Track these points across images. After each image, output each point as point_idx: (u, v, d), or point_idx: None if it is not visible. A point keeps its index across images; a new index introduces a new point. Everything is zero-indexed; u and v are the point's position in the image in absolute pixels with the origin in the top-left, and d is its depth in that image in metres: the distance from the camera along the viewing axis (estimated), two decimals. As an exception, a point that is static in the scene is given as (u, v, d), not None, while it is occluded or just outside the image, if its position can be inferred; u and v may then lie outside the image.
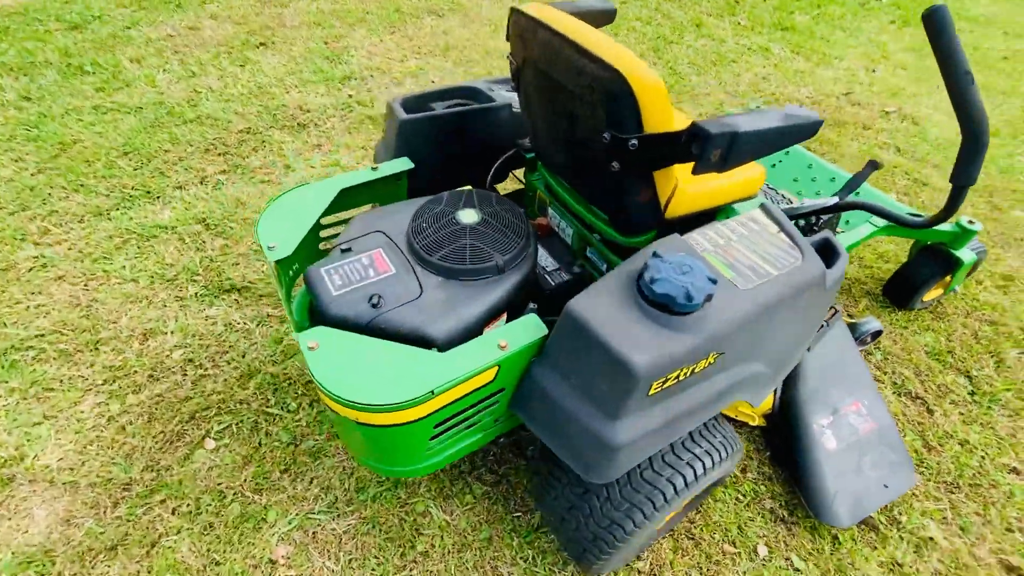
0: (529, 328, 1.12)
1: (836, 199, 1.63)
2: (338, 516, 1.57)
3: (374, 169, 1.52)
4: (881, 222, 1.88)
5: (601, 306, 1.01)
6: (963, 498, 1.73)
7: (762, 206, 1.32)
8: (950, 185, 1.24)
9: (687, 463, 1.21)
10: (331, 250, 1.31)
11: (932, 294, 2.26)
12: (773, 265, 1.22)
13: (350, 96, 3.35)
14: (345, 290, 1.18)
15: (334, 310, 1.15)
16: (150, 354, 1.91)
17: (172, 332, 1.98)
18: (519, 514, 1.61)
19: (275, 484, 1.62)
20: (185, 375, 1.86)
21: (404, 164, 1.54)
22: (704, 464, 1.22)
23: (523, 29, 1.24)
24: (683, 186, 1.26)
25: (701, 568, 1.53)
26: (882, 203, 1.96)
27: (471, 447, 1.27)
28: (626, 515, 1.19)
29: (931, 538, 1.63)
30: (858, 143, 3.32)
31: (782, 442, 1.70)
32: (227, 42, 3.74)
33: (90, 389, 1.80)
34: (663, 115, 1.07)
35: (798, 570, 1.55)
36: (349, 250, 1.28)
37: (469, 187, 1.63)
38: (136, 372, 1.85)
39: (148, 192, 2.55)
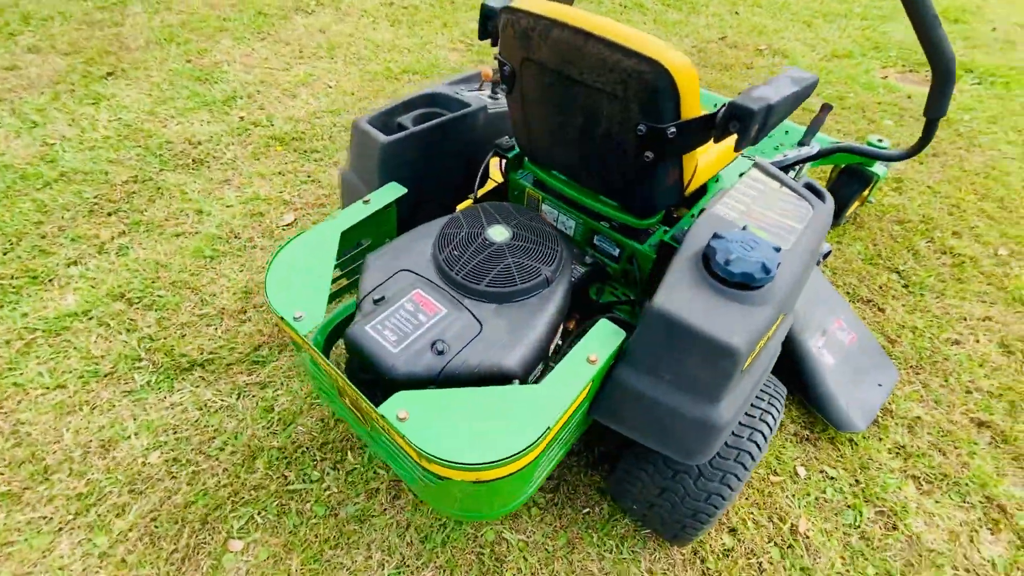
0: (609, 335, 1.10)
1: (818, 147, 1.77)
2: (413, 574, 1.47)
3: (366, 203, 1.37)
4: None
5: (683, 299, 1.02)
6: (928, 376, 2.03)
7: (757, 164, 1.40)
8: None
9: (761, 419, 1.28)
10: (360, 302, 1.17)
11: (852, 208, 2.56)
12: (794, 219, 1.30)
13: (242, 118, 2.99)
14: (404, 344, 1.07)
15: (402, 369, 1.04)
16: (120, 467, 1.61)
17: (136, 434, 1.69)
18: (587, 510, 1.61)
19: (331, 563, 1.47)
20: (175, 477, 1.61)
21: (396, 191, 1.41)
22: (774, 415, 1.30)
23: (526, 28, 1.16)
24: (699, 161, 1.29)
25: (758, 503, 1.66)
26: (852, 143, 2.14)
27: (557, 462, 1.24)
28: (721, 483, 1.24)
29: (918, 417, 1.90)
30: (748, 83, 3.62)
31: (788, 371, 1.87)
32: (63, 78, 3.14)
33: (61, 529, 1.48)
34: (696, 99, 1.07)
35: (833, 478, 1.73)
36: (383, 299, 1.15)
37: (477, 202, 1.54)
38: (111, 492, 1.56)
39: (34, 277, 2.10)
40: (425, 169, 1.51)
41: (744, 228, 1.11)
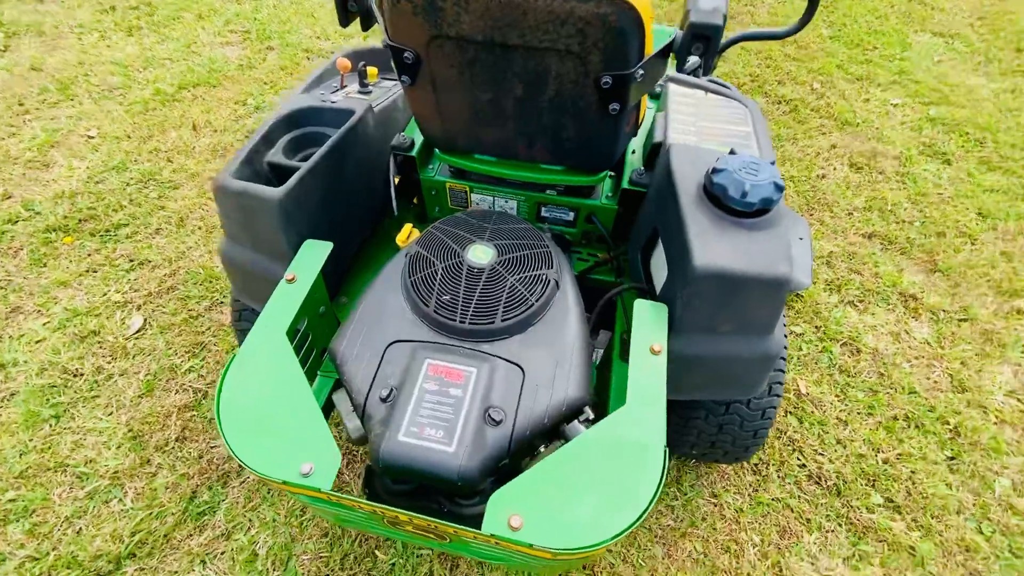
0: (657, 314, 0.99)
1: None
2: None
3: (291, 281, 1.04)
4: None
5: (721, 250, 0.94)
6: (820, 213, 2.30)
7: (672, 79, 1.33)
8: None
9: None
10: (362, 408, 0.91)
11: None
12: (739, 123, 1.28)
13: (-14, 219, 2.18)
14: (457, 435, 0.85)
15: (474, 467, 0.83)
16: None
17: None
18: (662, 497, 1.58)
19: None
20: None
21: (320, 250, 1.09)
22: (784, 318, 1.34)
23: (438, 5, 0.90)
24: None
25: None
26: (750, 30, 2.14)
27: None
28: (771, 396, 1.26)
29: (830, 251, 2.16)
30: None
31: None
32: None
33: None
34: (650, 30, 0.94)
35: (800, 334, 1.91)
36: (391, 392, 0.90)
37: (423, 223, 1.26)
38: None
39: None
40: (334, 208, 1.20)
41: (732, 152, 1.04)
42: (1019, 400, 1.76)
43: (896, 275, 2.09)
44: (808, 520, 1.52)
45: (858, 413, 1.73)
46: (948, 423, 1.71)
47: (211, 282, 2.02)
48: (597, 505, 0.78)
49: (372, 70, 1.37)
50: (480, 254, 1.05)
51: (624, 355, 1.13)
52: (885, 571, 1.44)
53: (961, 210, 2.32)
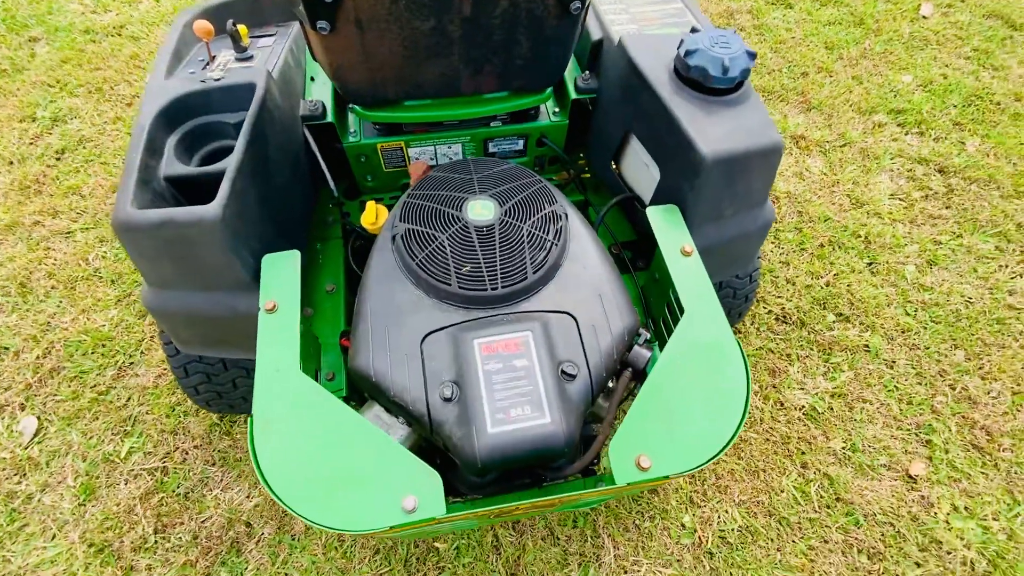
0: (672, 215, 0.98)
1: None
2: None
3: (272, 310, 0.85)
4: None
5: (719, 133, 0.93)
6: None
7: None
8: None
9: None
10: (428, 418, 0.80)
11: None
12: (669, 2, 1.23)
13: None
14: (545, 404, 0.79)
15: (574, 430, 0.79)
16: None
17: None
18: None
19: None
20: None
21: (292, 263, 0.90)
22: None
23: None
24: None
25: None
26: None
27: None
28: (758, 259, 1.35)
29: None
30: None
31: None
32: None
33: None
34: None
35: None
36: (454, 390, 0.80)
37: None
38: None
39: None
40: (273, 207, 0.99)
41: (693, 30, 1.00)
42: (900, 200, 2.08)
43: (783, 121, 2.28)
44: (788, 355, 1.71)
45: (793, 251, 1.94)
46: (859, 235, 1.97)
47: (103, 346, 1.65)
48: (703, 415, 0.79)
49: (242, 28, 1.10)
50: (481, 210, 0.93)
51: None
52: (855, 371, 1.69)
53: (813, 48, 2.56)
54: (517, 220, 0.94)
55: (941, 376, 1.68)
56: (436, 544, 1.38)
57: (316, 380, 1.06)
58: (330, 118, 1.15)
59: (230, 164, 0.86)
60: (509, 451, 0.76)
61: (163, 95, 0.96)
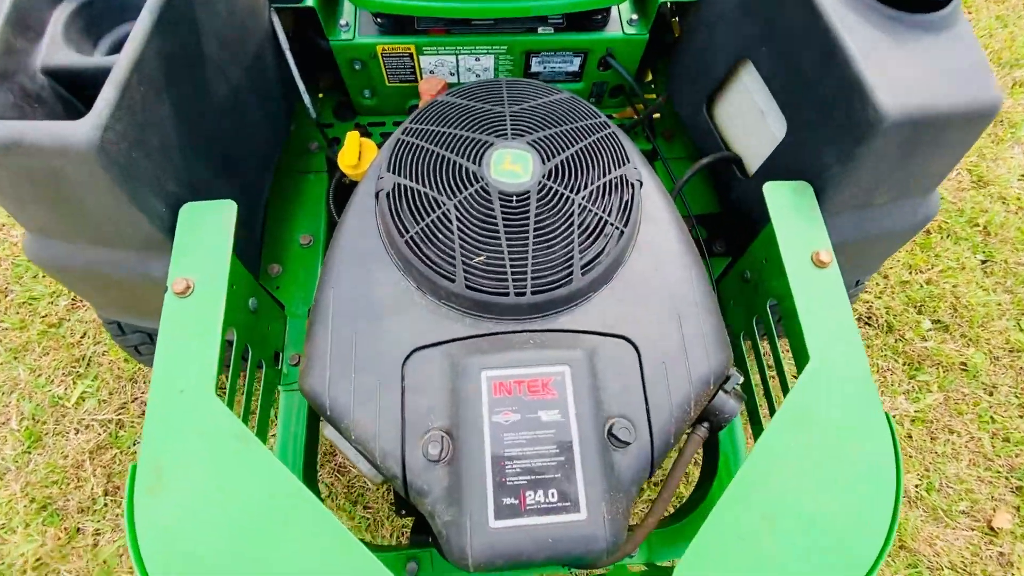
0: (801, 202, 0.64)
1: None
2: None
3: (183, 293, 0.57)
4: None
5: (904, 72, 0.57)
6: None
7: None
8: None
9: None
10: (401, 481, 0.54)
11: None
12: None
13: None
14: (582, 491, 0.51)
15: (620, 528, 0.51)
16: None
17: None
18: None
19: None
20: None
21: (222, 217, 0.61)
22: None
23: None
24: None
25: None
26: None
27: None
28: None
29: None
30: None
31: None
32: None
33: None
34: None
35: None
36: (443, 443, 0.53)
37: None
38: None
39: None
40: (203, 129, 0.67)
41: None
42: (1035, 181, 1.66)
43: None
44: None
45: (889, 235, 1.57)
46: (977, 224, 1.59)
47: (58, 268, 1.41)
48: (823, 534, 0.51)
49: None
50: (512, 165, 0.61)
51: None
52: (945, 393, 1.38)
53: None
54: (565, 186, 0.62)
55: (1051, 410, 1.37)
56: None
57: (276, 365, 0.81)
58: (310, 1, 0.80)
59: (121, 57, 0.54)
60: (517, 557, 0.50)
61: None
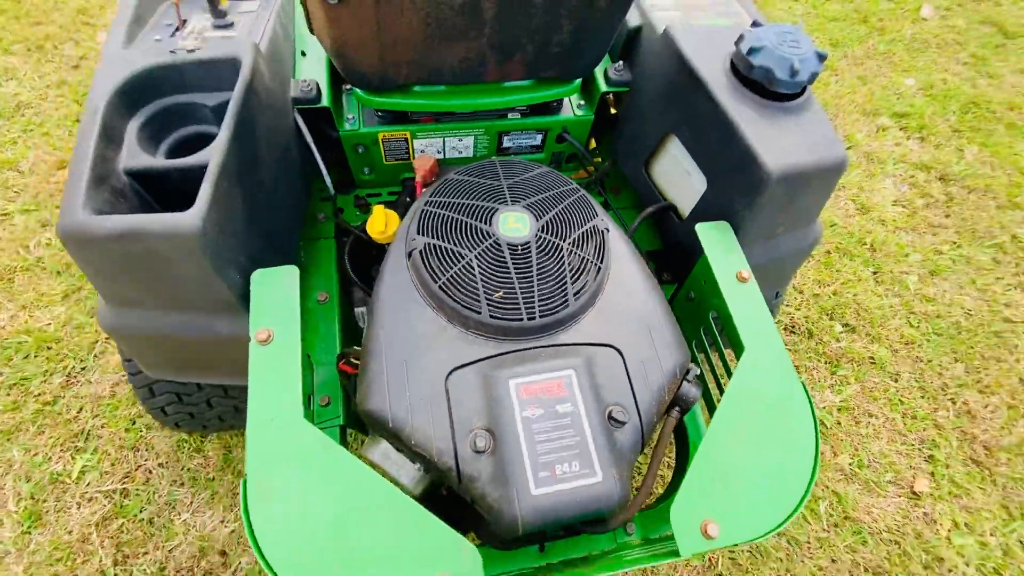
0: (723, 236, 0.87)
1: None
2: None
3: (265, 341, 0.71)
4: None
5: (785, 145, 0.82)
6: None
7: None
8: None
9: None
10: (457, 471, 0.69)
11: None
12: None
13: None
14: (596, 460, 0.68)
15: (626, 486, 0.68)
16: None
17: None
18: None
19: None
20: None
21: (289, 281, 0.75)
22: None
23: None
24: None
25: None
26: None
27: None
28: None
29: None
30: None
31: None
32: None
33: None
34: None
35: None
36: (488, 439, 0.69)
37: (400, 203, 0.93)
38: None
39: None
40: (261, 211, 0.83)
41: (755, 24, 0.88)
42: (903, 207, 2.05)
43: (789, 120, 2.21)
44: (796, 367, 1.66)
45: (799, 257, 1.88)
46: (865, 243, 1.94)
47: (49, 348, 1.44)
48: (769, 475, 0.70)
49: None
50: (515, 224, 0.81)
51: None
52: (861, 384, 1.65)
53: (819, 44, 2.48)
54: (555, 236, 0.82)
55: (943, 390, 1.67)
56: None
57: (308, 407, 0.93)
58: (325, 102, 0.99)
59: (212, 160, 0.70)
60: (555, 515, 0.65)
61: (123, 68, 0.78)
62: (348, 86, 1.07)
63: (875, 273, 1.88)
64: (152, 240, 0.65)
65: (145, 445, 1.36)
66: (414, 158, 1.14)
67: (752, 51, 0.84)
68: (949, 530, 1.46)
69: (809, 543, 1.40)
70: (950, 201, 2.08)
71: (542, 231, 0.81)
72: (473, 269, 0.77)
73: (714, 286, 0.85)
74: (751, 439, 0.71)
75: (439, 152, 1.16)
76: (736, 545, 0.65)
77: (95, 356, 1.45)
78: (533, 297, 0.76)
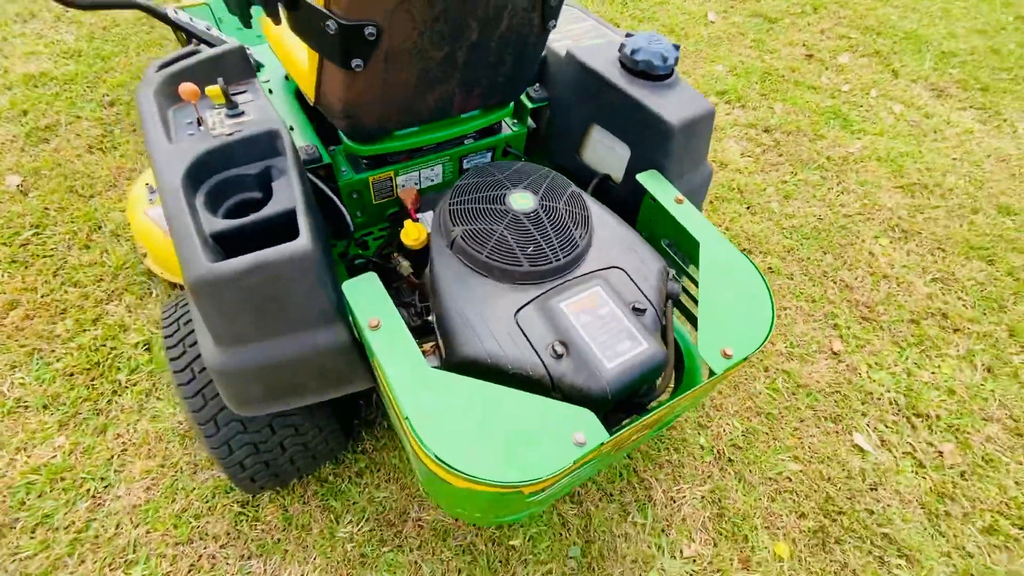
0: (656, 180, 1.21)
1: None
2: (650, 493, 1.54)
3: (376, 327, 0.88)
4: None
5: (672, 106, 1.18)
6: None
7: None
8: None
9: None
10: (550, 376, 0.91)
11: None
12: (583, 20, 1.50)
13: None
14: (639, 334, 0.95)
15: (663, 347, 0.95)
16: None
17: None
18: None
19: None
20: None
21: (373, 283, 0.94)
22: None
23: None
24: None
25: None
26: None
27: None
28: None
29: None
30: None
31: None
32: None
33: None
34: None
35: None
36: (561, 344, 0.93)
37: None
38: None
39: None
40: (325, 241, 1.02)
41: (628, 35, 1.26)
42: (748, 157, 2.61)
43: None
44: (722, 290, 2.06)
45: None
46: (733, 188, 2.44)
47: (62, 479, 1.41)
48: (747, 310, 1.01)
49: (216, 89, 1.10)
50: (522, 200, 1.07)
51: None
52: (773, 288, 2.10)
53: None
54: (552, 202, 1.09)
55: (824, 276, 2.16)
56: (512, 543, 1.42)
57: None
58: (326, 159, 1.20)
59: (297, 201, 0.89)
60: (629, 377, 0.90)
61: (183, 157, 0.93)
62: (332, 146, 1.29)
63: (748, 208, 2.39)
64: (277, 267, 0.81)
65: (199, 534, 1.37)
66: (398, 191, 1.37)
67: (635, 51, 1.21)
68: (867, 371, 1.90)
69: (780, 413, 1.76)
70: (777, 145, 2.70)
71: (543, 200, 1.09)
72: (507, 237, 1.01)
73: (662, 214, 1.18)
74: (728, 291, 1.02)
75: (416, 183, 1.40)
76: (745, 359, 0.94)
77: (115, 470, 1.43)
78: (554, 244, 1.02)
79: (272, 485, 1.30)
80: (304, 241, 0.84)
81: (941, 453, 1.71)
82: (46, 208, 1.89)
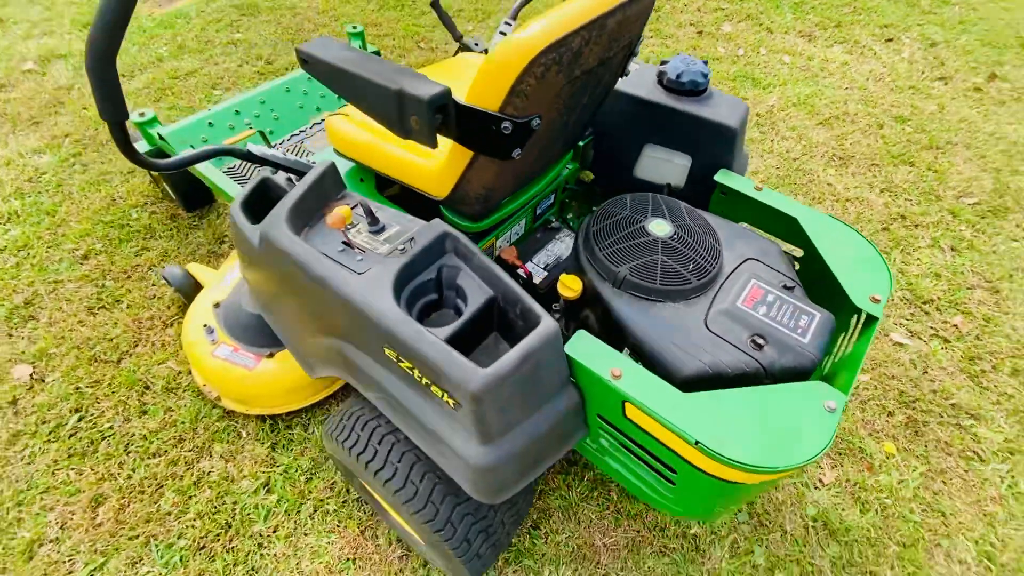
0: (728, 176, 1.39)
1: None
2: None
3: (619, 376, 0.97)
4: None
5: (719, 113, 1.37)
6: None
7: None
8: None
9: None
10: (763, 371, 1.04)
11: None
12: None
13: None
14: (810, 305, 1.11)
15: (833, 316, 1.12)
16: None
17: None
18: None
19: None
20: None
21: (592, 338, 1.01)
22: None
23: (579, 47, 0.89)
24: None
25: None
26: None
27: None
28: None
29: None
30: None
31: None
32: None
33: None
34: None
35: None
36: (759, 336, 1.06)
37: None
38: None
39: None
40: None
41: (663, 62, 1.43)
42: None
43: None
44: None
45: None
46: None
47: None
48: (865, 262, 1.22)
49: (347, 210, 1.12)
50: (661, 227, 1.20)
51: None
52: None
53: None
54: (681, 220, 1.23)
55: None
56: (693, 532, 1.54)
57: None
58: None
59: (518, 291, 0.95)
60: (823, 342, 1.06)
61: (380, 277, 0.95)
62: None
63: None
64: (539, 351, 0.88)
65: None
66: (499, 253, 1.44)
67: (679, 75, 1.38)
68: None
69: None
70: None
71: (673, 220, 1.22)
72: (669, 263, 1.14)
73: (742, 202, 1.36)
74: (847, 251, 1.22)
75: (507, 241, 1.47)
76: (886, 302, 1.14)
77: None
78: (706, 257, 1.16)
79: (493, 559, 1.31)
80: (550, 320, 0.90)
81: (956, 326, 2.06)
82: (76, 388, 1.70)
